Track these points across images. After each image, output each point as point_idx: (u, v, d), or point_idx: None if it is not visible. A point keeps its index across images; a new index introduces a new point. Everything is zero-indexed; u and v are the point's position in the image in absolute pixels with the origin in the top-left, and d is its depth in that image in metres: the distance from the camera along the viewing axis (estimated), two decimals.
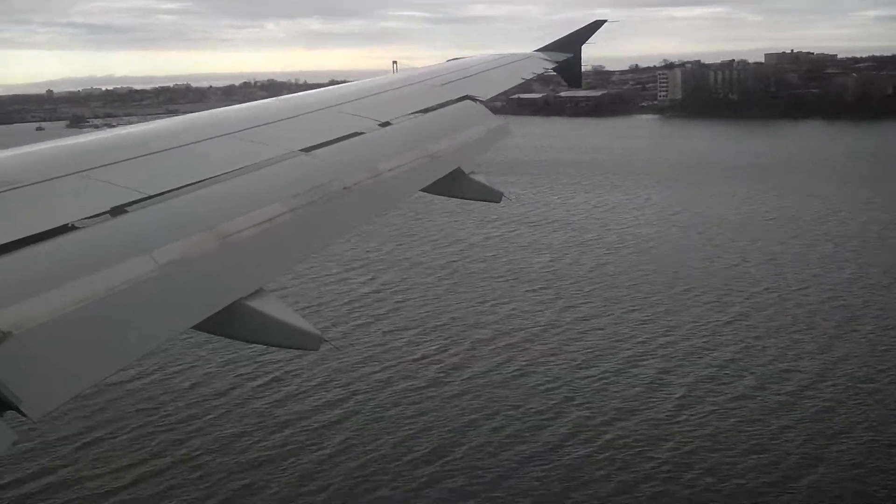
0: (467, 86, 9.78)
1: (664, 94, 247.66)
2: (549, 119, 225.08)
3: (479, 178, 7.41)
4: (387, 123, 7.17)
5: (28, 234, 3.53)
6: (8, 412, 2.73)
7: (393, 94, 8.76)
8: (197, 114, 7.04)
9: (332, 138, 6.22)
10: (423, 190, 6.73)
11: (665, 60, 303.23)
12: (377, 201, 5.85)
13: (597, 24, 16.58)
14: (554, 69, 14.97)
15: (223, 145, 5.57)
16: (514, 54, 14.11)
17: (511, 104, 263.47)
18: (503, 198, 7.73)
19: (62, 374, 3.02)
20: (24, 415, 2.75)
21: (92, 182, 4.30)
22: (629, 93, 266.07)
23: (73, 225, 3.77)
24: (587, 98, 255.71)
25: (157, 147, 5.14)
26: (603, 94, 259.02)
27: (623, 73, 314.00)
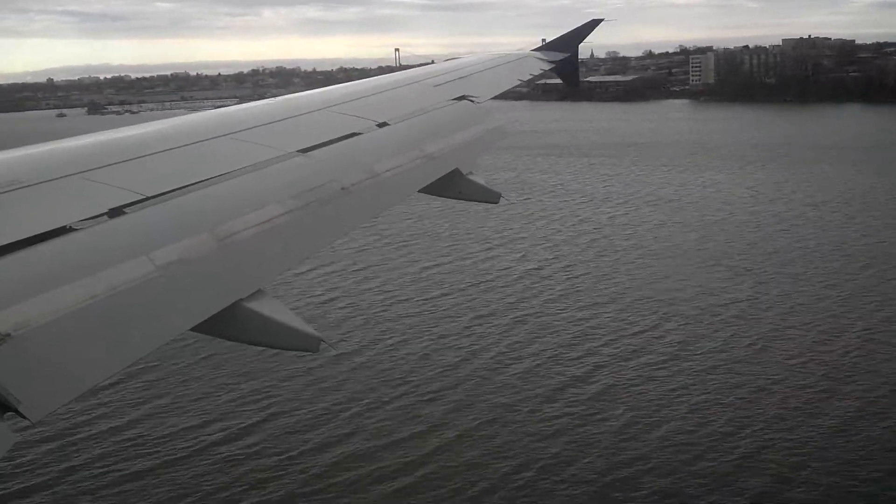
0: (464, 86, 9.80)
1: (697, 78, 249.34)
2: (578, 104, 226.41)
3: (477, 178, 7.42)
4: (384, 124, 7.19)
5: (27, 236, 3.54)
6: (7, 414, 2.74)
7: (390, 94, 8.78)
8: (194, 114, 7.06)
9: (329, 139, 6.23)
10: (421, 191, 6.74)
11: (681, 46, 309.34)
12: (375, 202, 5.87)
13: (593, 24, 16.64)
14: (552, 69, 15.00)
15: (221, 146, 5.58)
16: (510, 54, 14.12)
17: (536, 90, 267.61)
18: (501, 199, 7.74)
19: (62, 376, 3.03)
20: (24, 416, 2.76)
21: (90, 183, 4.31)
22: (658, 78, 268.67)
23: (71, 227, 3.79)
24: (617, 83, 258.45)
25: (155, 148, 5.15)
26: (634, 79, 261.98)
27: (640, 58, 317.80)
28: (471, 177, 7.35)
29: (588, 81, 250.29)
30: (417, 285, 55.89)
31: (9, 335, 2.91)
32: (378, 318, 49.11)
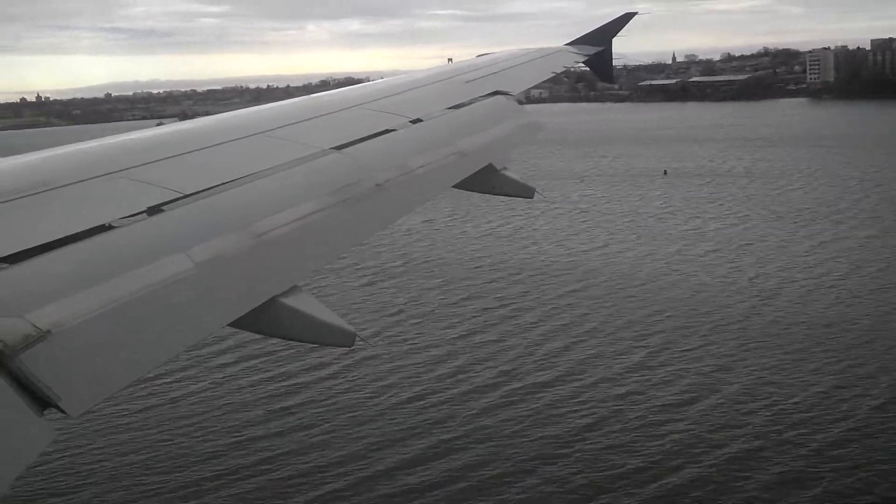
0: (497, 81, 9.76)
1: (815, 76, 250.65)
2: (697, 104, 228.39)
3: (511, 174, 7.38)
4: (418, 120, 7.18)
5: (66, 234, 3.59)
6: (48, 409, 2.78)
7: (423, 90, 8.77)
8: (229, 113, 7.11)
9: (363, 136, 6.24)
10: (455, 186, 6.73)
11: (765, 48, 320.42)
12: (409, 198, 5.87)
13: (627, 17, 16.38)
14: (584, 62, 14.88)
15: (256, 144, 5.62)
16: (543, 49, 14.03)
17: (639, 92, 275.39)
18: (535, 194, 7.69)
19: (101, 372, 3.06)
20: (64, 412, 2.80)
21: (128, 182, 4.36)
22: (766, 77, 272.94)
23: (110, 224, 3.83)
24: (729, 82, 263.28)
25: (192, 146, 5.20)
26: (748, 78, 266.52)
27: (724, 61, 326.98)
28: (505, 172, 7.31)
29: (696, 82, 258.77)
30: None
31: (49, 332, 2.94)
32: None
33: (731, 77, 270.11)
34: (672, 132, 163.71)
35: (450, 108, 8.03)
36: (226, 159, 5.16)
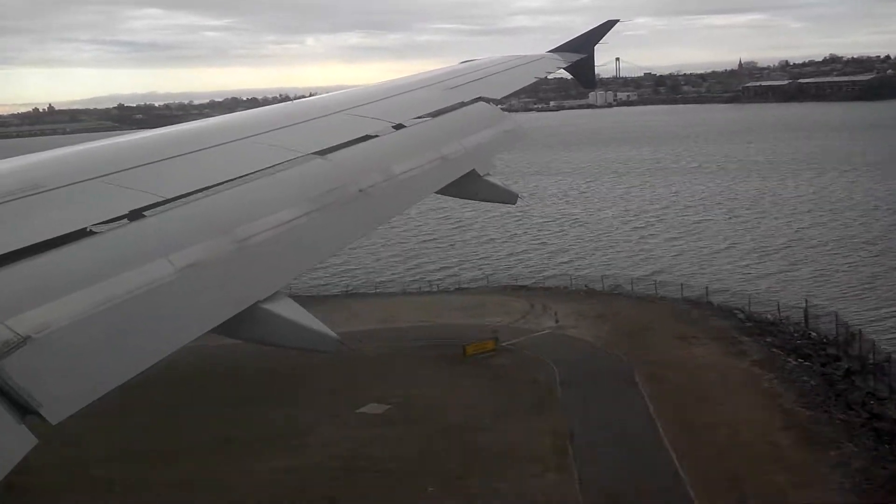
0: (480, 87, 9.77)
1: None
2: (825, 104, 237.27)
3: (494, 179, 7.40)
4: (400, 126, 7.18)
5: (47, 238, 3.56)
6: (28, 416, 2.76)
7: (406, 96, 8.77)
8: (212, 118, 7.09)
9: (346, 141, 6.24)
10: (438, 192, 6.73)
11: (831, 55, 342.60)
12: (392, 204, 5.86)
13: (609, 25, 16.54)
14: (566, 69, 14.97)
15: (239, 149, 5.59)
16: (526, 55, 14.09)
17: (747, 93, 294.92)
18: (518, 199, 7.71)
19: (82, 378, 3.04)
20: (44, 418, 2.77)
21: (110, 186, 4.33)
22: (890, 78, 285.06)
23: (91, 229, 3.80)
24: (852, 83, 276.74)
25: (175, 151, 5.17)
26: (871, 78, 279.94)
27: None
28: (488, 178, 7.32)
29: (811, 83, 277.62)
30: None
31: (29, 337, 2.92)
32: None
33: (854, 78, 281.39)
34: None
35: (432, 113, 8.04)
36: (209, 164, 5.14)
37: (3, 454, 2.60)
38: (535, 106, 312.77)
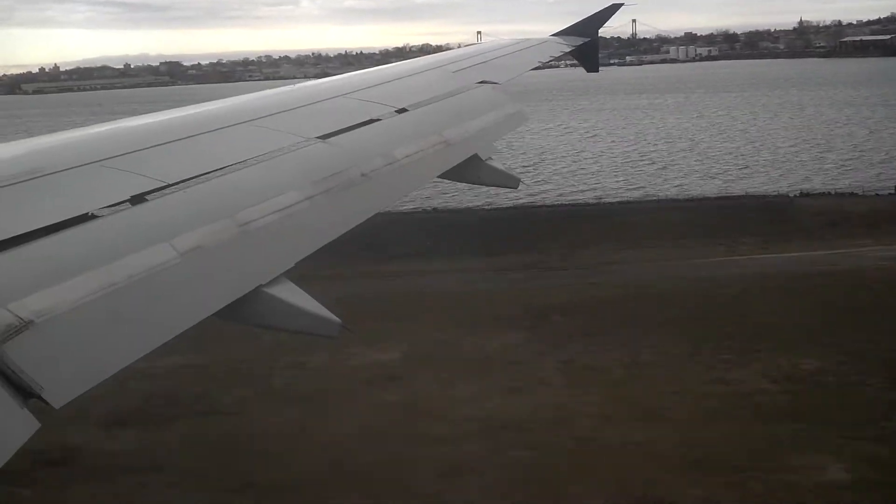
0: (483, 71, 9.75)
1: None
2: None
3: (496, 164, 7.39)
4: (403, 110, 7.17)
5: (49, 223, 3.57)
6: (31, 400, 2.77)
7: (409, 80, 8.75)
8: (214, 102, 7.07)
9: (349, 125, 6.23)
10: (441, 176, 6.73)
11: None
12: (395, 188, 5.86)
13: (613, 8, 16.52)
14: (571, 52, 14.95)
15: (241, 133, 5.59)
16: (530, 39, 14.07)
17: (845, 47, 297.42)
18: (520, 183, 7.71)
19: (84, 363, 3.05)
20: (46, 402, 2.79)
21: (112, 171, 4.33)
22: None
23: (93, 214, 3.81)
24: None
25: (176, 136, 5.16)
26: None
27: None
28: (490, 162, 7.32)
29: None
30: None
31: (31, 322, 2.93)
32: None
33: None
34: None
35: (436, 98, 8.02)
36: (210, 148, 5.14)
37: (6, 438, 2.62)
38: (612, 61, 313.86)
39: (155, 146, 4.86)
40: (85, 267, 3.37)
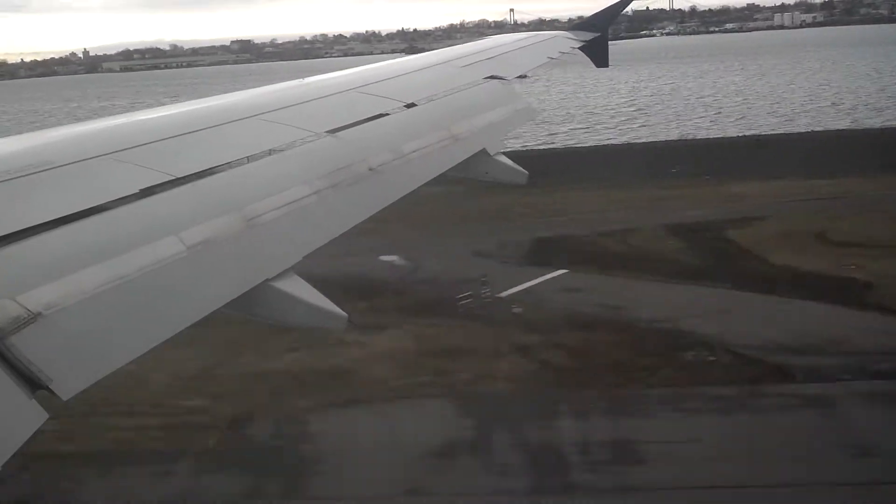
0: (493, 66, 9.74)
1: None
2: None
3: (504, 159, 7.39)
4: (412, 105, 7.16)
5: (59, 216, 3.58)
6: (39, 392, 2.78)
7: (418, 75, 8.75)
8: (224, 96, 7.09)
9: (357, 120, 6.23)
10: (449, 171, 6.72)
11: None
12: (403, 182, 5.86)
13: (624, 2, 16.49)
14: (580, 48, 14.92)
15: (250, 127, 5.60)
16: (540, 34, 14.07)
17: None
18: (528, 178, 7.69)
19: (92, 355, 3.06)
20: (55, 394, 2.80)
21: (121, 164, 4.35)
22: None
23: (102, 206, 3.82)
24: None
25: (185, 129, 5.17)
26: None
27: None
28: (498, 157, 7.31)
29: None
30: None
31: (40, 314, 2.94)
32: None
33: None
34: None
35: (444, 93, 8.01)
36: (219, 142, 5.15)
37: (16, 429, 2.63)
38: (713, 28, 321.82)
39: (164, 139, 4.88)
40: (94, 259, 3.38)
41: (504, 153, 7.44)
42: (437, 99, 7.75)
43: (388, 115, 6.69)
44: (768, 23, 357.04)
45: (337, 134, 5.78)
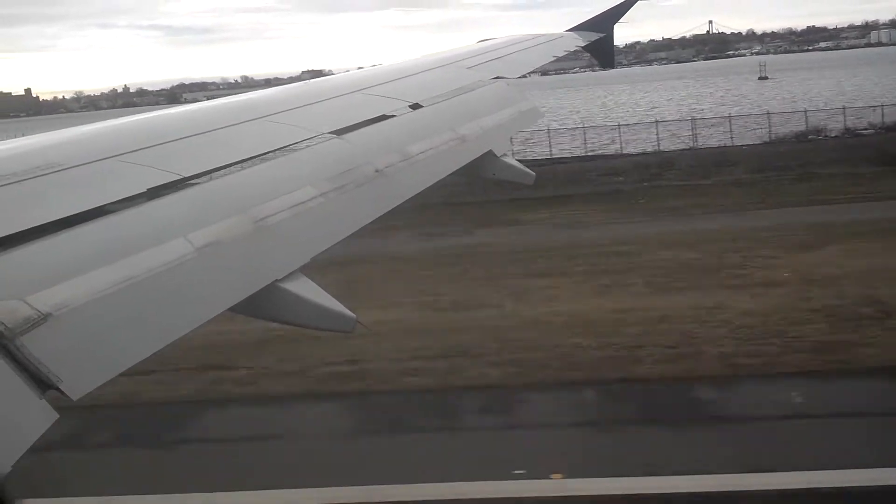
0: (498, 66, 9.73)
1: None
2: None
3: (511, 160, 7.39)
4: (417, 106, 7.16)
5: (65, 217, 3.59)
6: (49, 391, 2.80)
7: (423, 76, 8.74)
8: (228, 97, 7.10)
9: (363, 121, 6.24)
10: (456, 172, 6.72)
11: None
12: (409, 184, 5.86)
13: (629, 3, 16.42)
14: (585, 48, 14.88)
15: (257, 128, 5.60)
16: (545, 34, 14.02)
17: None
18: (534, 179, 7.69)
19: (101, 355, 3.07)
20: (64, 394, 2.82)
21: (128, 165, 4.35)
22: None
23: (109, 208, 3.83)
24: None
25: (191, 130, 5.18)
26: None
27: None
28: (504, 158, 7.31)
29: None
30: None
31: (49, 314, 2.95)
32: None
33: None
34: None
35: (451, 93, 8.01)
36: (226, 143, 5.15)
37: (26, 428, 2.64)
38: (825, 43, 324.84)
39: (171, 141, 4.89)
40: (102, 261, 3.39)
41: (510, 154, 7.44)
42: (444, 100, 7.75)
43: (393, 116, 6.69)
44: (864, 41, 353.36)
45: (343, 135, 5.78)
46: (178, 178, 4.29)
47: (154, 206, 4.03)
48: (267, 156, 5.03)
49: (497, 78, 9.13)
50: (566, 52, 13.38)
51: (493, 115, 7.88)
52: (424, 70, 9.07)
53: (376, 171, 5.45)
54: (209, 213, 4.10)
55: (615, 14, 16.05)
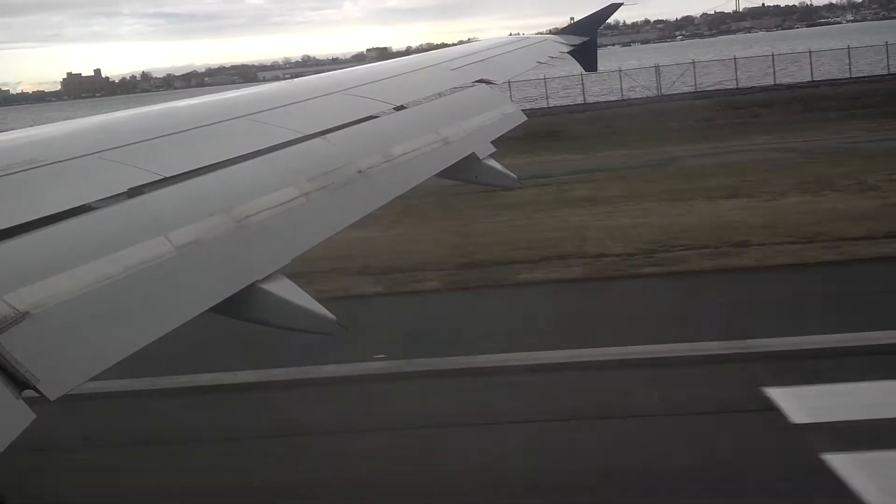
0: (482, 69, 9.77)
1: None
2: None
3: (494, 163, 7.41)
4: (401, 107, 7.17)
5: (45, 215, 3.56)
6: (25, 391, 2.77)
7: (408, 77, 8.75)
8: (211, 95, 7.07)
9: (346, 122, 6.23)
10: (438, 175, 6.73)
11: None
12: (391, 185, 5.86)
13: (612, 8, 16.58)
14: (570, 52, 14.98)
15: (239, 127, 5.58)
16: (529, 38, 14.11)
17: None
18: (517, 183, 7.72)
19: (80, 355, 3.05)
20: (42, 394, 2.79)
21: (109, 163, 4.32)
22: None
23: (90, 206, 3.80)
24: None
25: (174, 128, 5.16)
26: None
27: None
28: (487, 161, 7.32)
29: None
30: None
31: (27, 313, 2.93)
32: None
33: None
34: None
35: (434, 95, 8.03)
36: (208, 142, 5.13)
37: (3, 429, 2.62)
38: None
39: (153, 139, 4.85)
40: (81, 259, 3.36)
41: (492, 156, 7.46)
42: (427, 101, 7.76)
43: (377, 117, 6.69)
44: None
45: (326, 136, 5.77)
46: (159, 176, 4.26)
47: (134, 203, 4.00)
48: (250, 156, 5.01)
49: (480, 81, 9.16)
50: (549, 57, 13.46)
51: (476, 118, 7.90)
52: (409, 72, 9.08)
53: (359, 171, 5.45)
54: (190, 213, 4.07)
55: (598, 18, 16.19)
